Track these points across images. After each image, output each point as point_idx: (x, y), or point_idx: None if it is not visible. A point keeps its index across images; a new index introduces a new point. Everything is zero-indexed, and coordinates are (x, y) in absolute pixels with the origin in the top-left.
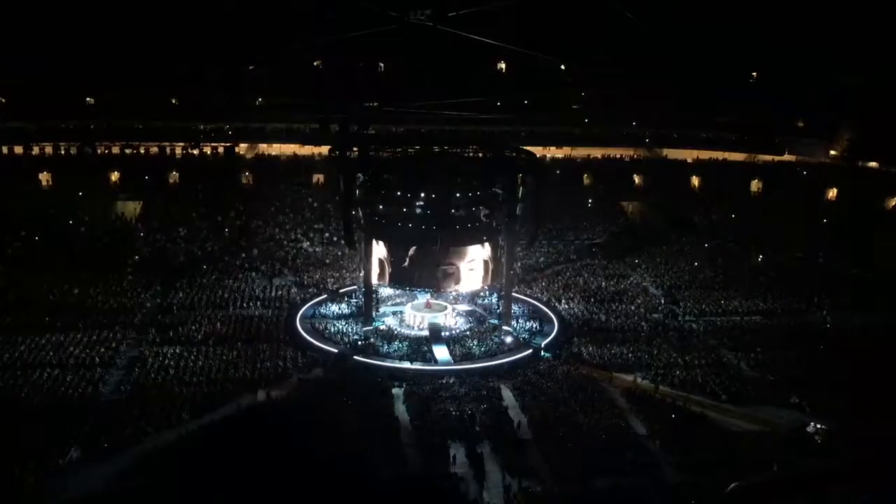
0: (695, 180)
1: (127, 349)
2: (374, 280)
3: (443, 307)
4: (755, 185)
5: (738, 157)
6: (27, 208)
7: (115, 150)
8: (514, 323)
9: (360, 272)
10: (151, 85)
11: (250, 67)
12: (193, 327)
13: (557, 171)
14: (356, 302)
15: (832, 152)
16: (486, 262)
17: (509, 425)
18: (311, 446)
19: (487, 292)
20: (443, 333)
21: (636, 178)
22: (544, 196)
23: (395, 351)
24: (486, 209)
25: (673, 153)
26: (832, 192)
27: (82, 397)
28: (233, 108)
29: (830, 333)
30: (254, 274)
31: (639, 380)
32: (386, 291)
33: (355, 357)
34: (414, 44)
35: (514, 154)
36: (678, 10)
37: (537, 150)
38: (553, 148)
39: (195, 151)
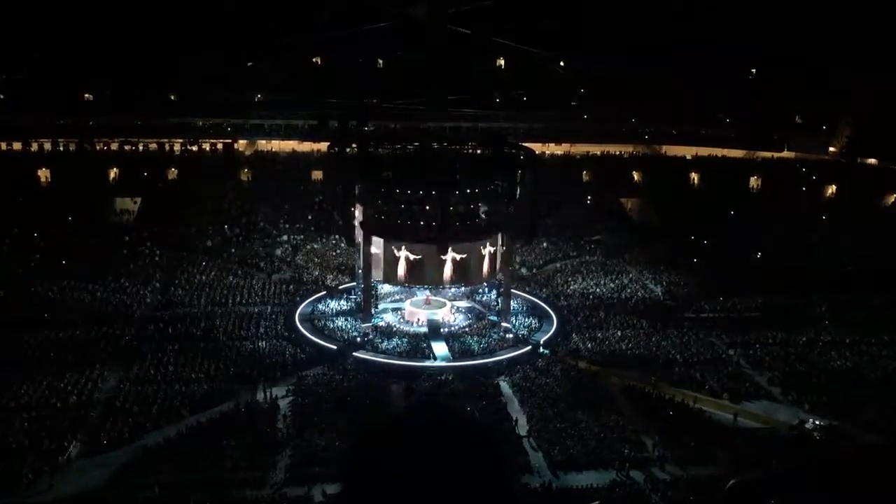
0: (694, 177)
1: (126, 345)
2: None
3: (442, 304)
4: (754, 181)
5: (737, 153)
6: (26, 205)
7: (114, 146)
8: (513, 319)
9: (358, 269)
10: (150, 81)
11: (249, 64)
12: (192, 323)
13: (556, 168)
14: (355, 298)
15: (831, 149)
16: (485, 258)
17: (508, 421)
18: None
19: (486, 289)
20: (442, 330)
21: (635, 175)
22: (543, 192)
23: (393, 347)
24: (485, 206)
25: (672, 149)
26: (831, 189)
27: (81, 394)
28: (232, 104)
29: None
30: (253, 270)
31: (637, 377)
32: (385, 288)
33: (354, 354)
34: (413, 40)
35: (513, 150)
36: (678, 6)
37: (536, 147)
38: (552, 144)
39: (194, 148)
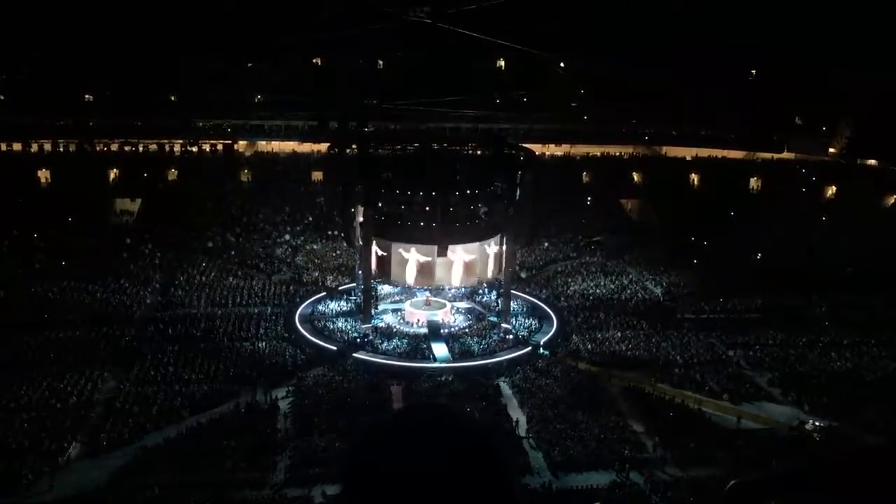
0: (694, 177)
1: (126, 346)
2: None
3: (441, 304)
4: (754, 182)
5: (737, 154)
6: (26, 205)
7: (114, 147)
8: (513, 320)
9: (358, 270)
10: (150, 82)
11: (249, 64)
12: (192, 324)
13: (556, 169)
14: (355, 299)
15: (831, 150)
16: (490, 257)
17: (508, 422)
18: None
19: (486, 289)
20: (442, 331)
21: (635, 176)
22: (543, 193)
23: (393, 348)
24: (485, 207)
25: (672, 150)
26: (831, 190)
27: (81, 394)
28: (232, 105)
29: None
30: (253, 271)
31: (637, 377)
32: (385, 289)
33: (354, 354)
34: (413, 41)
35: (513, 151)
36: (678, 6)
37: (536, 148)
38: (552, 145)
39: (194, 149)
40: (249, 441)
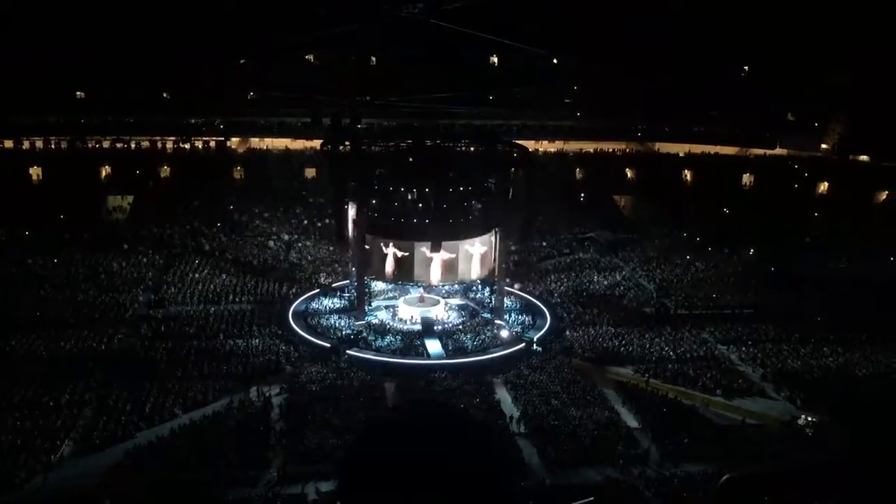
0: (687, 174)
1: (118, 344)
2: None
3: (435, 301)
4: (747, 178)
5: (729, 150)
6: (17, 203)
7: (106, 144)
8: (506, 317)
9: (352, 266)
10: (143, 79)
11: (242, 61)
12: (185, 322)
13: (550, 166)
14: (349, 296)
15: (823, 146)
16: (479, 256)
17: (502, 419)
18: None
19: (480, 286)
20: (435, 328)
21: (628, 172)
22: (537, 190)
23: (387, 345)
24: (478, 203)
25: (665, 147)
26: (823, 186)
27: (73, 393)
28: (224, 102)
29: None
30: (246, 268)
31: (631, 373)
32: (379, 286)
33: (348, 351)
34: (406, 38)
35: (506, 148)
36: (672, 5)
37: (530, 144)
38: (545, 142)
39: (187, 146)
40: (242, 439)
